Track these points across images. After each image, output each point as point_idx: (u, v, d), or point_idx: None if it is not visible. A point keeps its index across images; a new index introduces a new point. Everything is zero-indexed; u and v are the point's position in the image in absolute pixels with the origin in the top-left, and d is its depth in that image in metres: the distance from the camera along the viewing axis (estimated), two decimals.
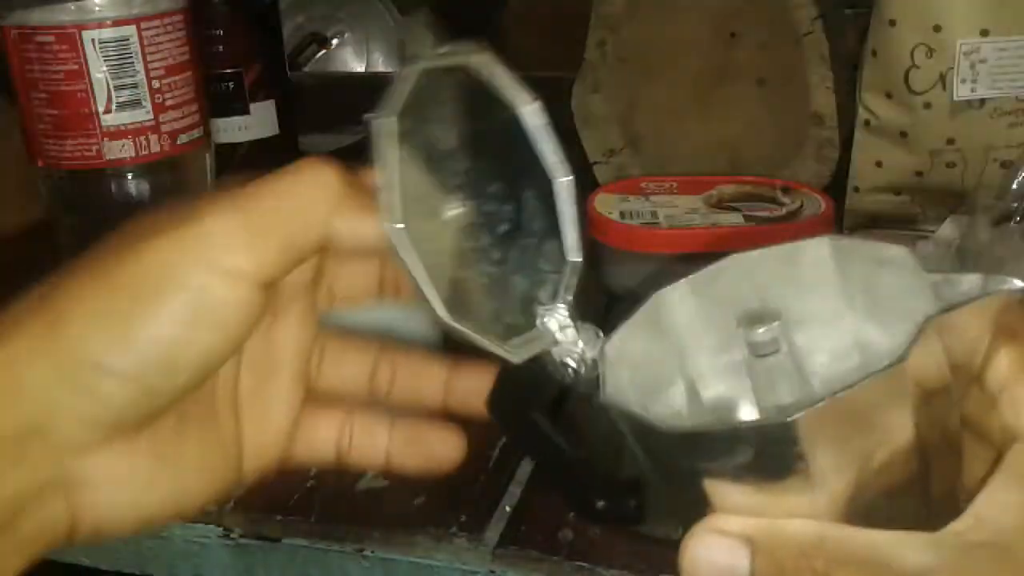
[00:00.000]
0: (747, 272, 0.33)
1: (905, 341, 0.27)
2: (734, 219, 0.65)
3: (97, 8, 0.54)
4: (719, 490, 0.27)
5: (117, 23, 0.54)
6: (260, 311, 0.30)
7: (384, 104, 0.32)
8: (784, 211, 0.66)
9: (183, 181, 0.59)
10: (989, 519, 0.25)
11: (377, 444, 0.34)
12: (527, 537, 0.46)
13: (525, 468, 0.50)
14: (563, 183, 0.31)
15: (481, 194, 0.33)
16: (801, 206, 0.66)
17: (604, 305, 0.69)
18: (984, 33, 0.65)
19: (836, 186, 0.75)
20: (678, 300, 0.33)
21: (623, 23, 0.80)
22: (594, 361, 0.31)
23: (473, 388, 0.34)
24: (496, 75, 0.31)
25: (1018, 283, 0.28)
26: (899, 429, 0.26)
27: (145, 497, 0.29)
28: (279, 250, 0.30)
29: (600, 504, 0.33)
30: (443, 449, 0.34)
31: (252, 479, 0.33)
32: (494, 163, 0.33)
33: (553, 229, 0.31)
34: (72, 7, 0.54)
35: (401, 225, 0.31)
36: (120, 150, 0.56)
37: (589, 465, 0.33)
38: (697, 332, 0.33)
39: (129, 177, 0.57)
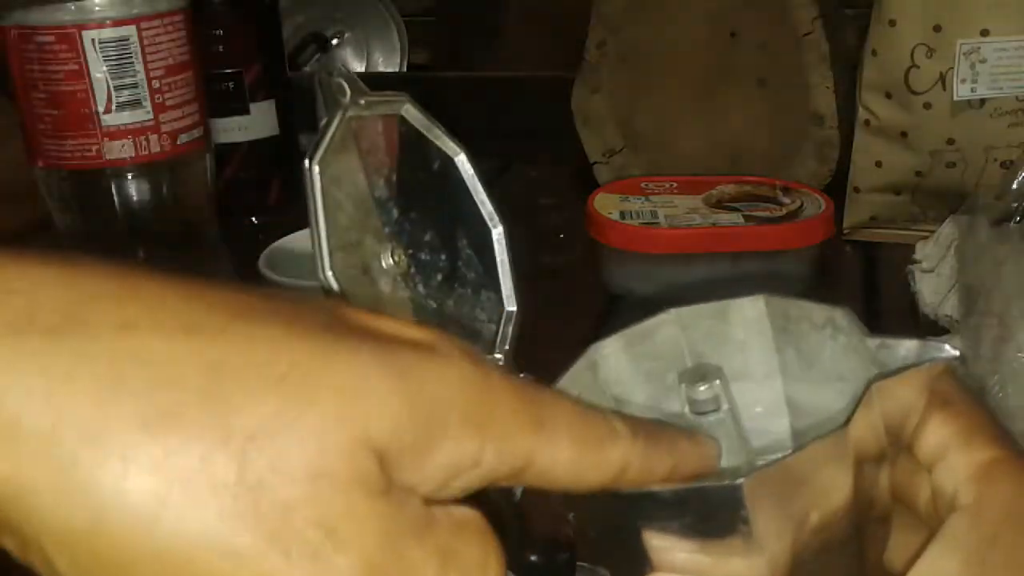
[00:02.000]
0: (682, 327, 0.33)
1: (837, 402, 0.27)
2: (734, 219, 0.65)
3: (97, 8, 0.54)
4: (660, 548, 0.26)
5: (117, 23, 0.54)
6: None
7: (310, 149, 0.32)
8: (784, 211, 0.66)
9: (183, 181, 0.59)
10: None
11: None
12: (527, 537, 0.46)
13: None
14: (497, 233, 0.31)
15: (416, 243, 0.33)
16: (801, 206, 0.66)
17: (604, 305, 0.69)
18: (984, 33, 0.65)
19: (836, 186, 0.75)
20: (612, 354, 0.33)
21: (623, 23, 0.80)
22: None
23: None
24: (425, 125, 0.31)
25: (952, 351, 0.28)
26: (836, 491, 0.26)
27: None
28: None
29: (533, 558, 0.33)
30: None
31: None
32: (428, 212, 0.33)
33: (489, 278, 0.31)
34: (72, 7, 0.54)
35: (330, 273, 0.31)
36: (120, 150, 0.56)
37: (523, 521, 0.33)
38: (632, 386, 0.33)
39: (129, 177, 0.57)
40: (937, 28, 0.65)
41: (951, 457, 0.27)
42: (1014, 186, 0.60)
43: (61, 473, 0.18)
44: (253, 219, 0.73)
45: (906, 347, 0.28)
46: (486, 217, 0.31)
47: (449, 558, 0.21)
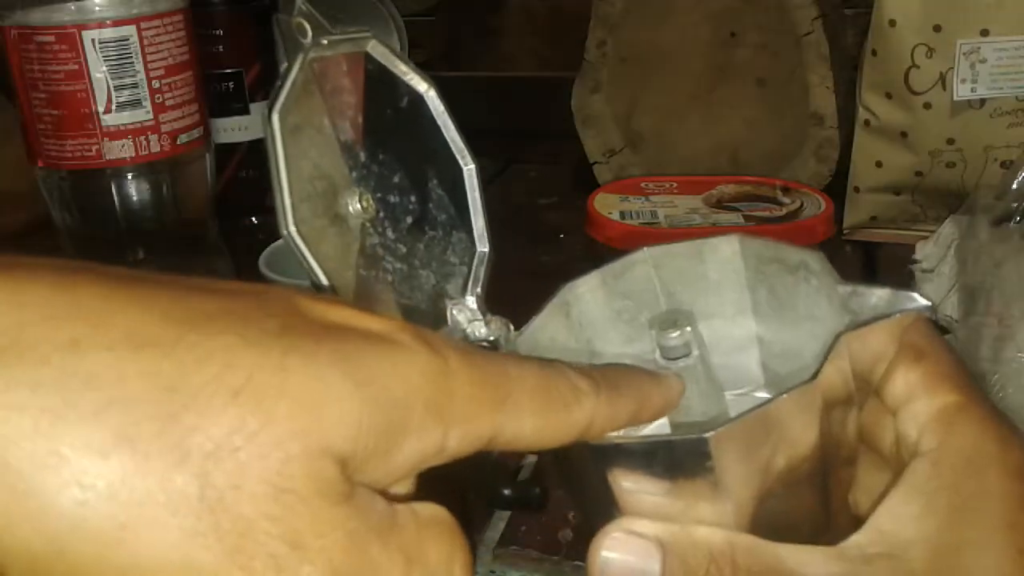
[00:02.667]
0: (656, 266, 0.33)
1: (808, 342, 0.27)
2: (734, 219, 0.65)
3: (97, 8, 0.54)
4: (628, 492, 0.26)
5: (117, 23, 0.54)
6: None
7: (270, 99, 0.31)
8: (784, 211, 0.66)
9: (183, 181, 0.59)
10: (888, 532, 0.25)
11: None
12: (527, 537, 0.46)
13: (525, 468, 0.50)
14: (468, 170, 0.30)
15: (384, 186, 0.32)
16: (801, 206, 0.66)
17: None
18: (984, 33, 0.65)
19: (836, 186, 0.75)
20: (588, 291, 0.33)
21: (623, 23, 0.80)
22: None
23: None
24: (391, 61, 0.30)
25: (924, 301, 0.28)
26: (804, 438, 0.26)
27: None
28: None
29: (506, 492, 0.33)
30: None
31: None
32: (396, 153, 0.31)
33: (460, 219, 0.30)
34: (72, 7, 0.54)
35: (293, 229, 0.30)
36: (120, 150, 0.56)
37: (495, 457, 0.32)
38: (606, 324, 0.33)
39: (129, 177, 0.57)
40: (937, 28, 0.65)
41: (916, 403, 0.28)
42: (1014, 186, 0.60)
43: (18, 501, 0.18)
44: (253, 219, 0.73)
45: (877, 295, 0.28)
46: (456, 154, 0.29)
47: (414, 559, 0.21)
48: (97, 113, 0.55)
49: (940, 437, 0.27)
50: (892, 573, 0.25)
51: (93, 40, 0.54)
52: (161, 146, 0.57)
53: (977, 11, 0.65)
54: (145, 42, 0.55)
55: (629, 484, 0.26)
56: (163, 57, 0.56)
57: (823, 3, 0.75)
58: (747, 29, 0.77)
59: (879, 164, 0.71)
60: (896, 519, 0.26)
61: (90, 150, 0.56)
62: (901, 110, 0.68)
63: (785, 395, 0.25)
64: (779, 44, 0.76)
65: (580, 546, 0.45)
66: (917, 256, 0.70)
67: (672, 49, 0.79)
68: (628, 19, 0.79)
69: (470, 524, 0.46)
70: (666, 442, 0.26)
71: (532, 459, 0.50)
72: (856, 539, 0.26)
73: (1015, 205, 0.59)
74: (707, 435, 0.25)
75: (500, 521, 0.47)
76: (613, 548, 0.26)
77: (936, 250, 0.63)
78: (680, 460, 0.25)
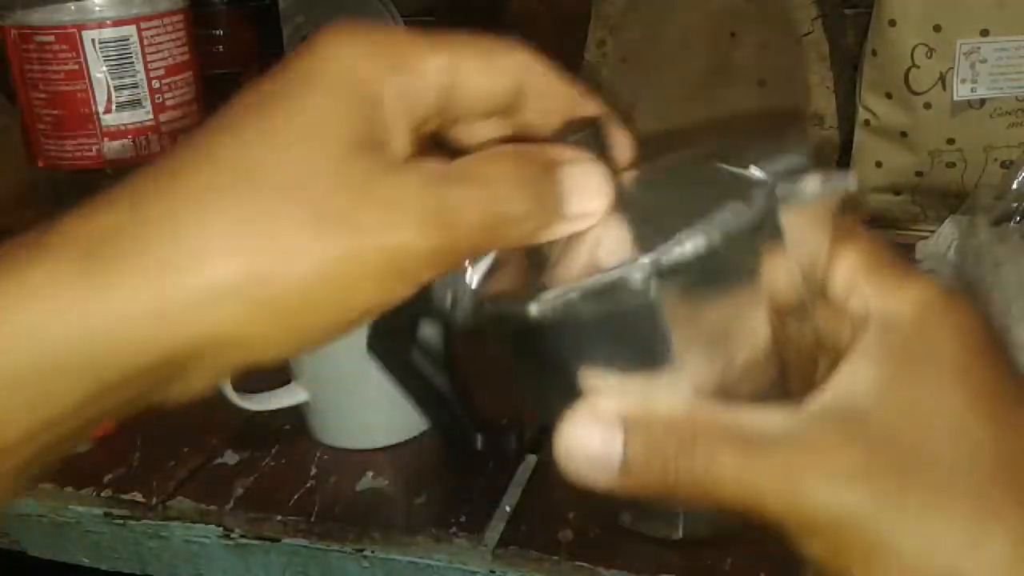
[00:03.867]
0: None
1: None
2: None
3: (97, 8, 0.54)
4: (592, 381, 0.27)
5: (117, 23, 0.54)
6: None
7: None
8: None
9: None
10: (843, 389, 0.26)
11: None
12: (527, 537, 0.46)
13: (525, 468, 0.51)
14: None
15: None
16: None
17: None
18: (984, 33, 0.65)
19: None
20: None
21: (623, 23, 0.80)
22: (470, 290, 0.29)
23: None
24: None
25: (852, 180, 0.28)
26: (756, 336, 0.27)
27: (269, 351, 0.27)
28: None
29: (480, 440, 0.32)
30: None
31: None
32: None
33: None
34: (72, 7, 0.54)
35: None
36: (120, 150, 0.56)
37: (470, 404, 0.32)
38: None
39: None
40: (937, 28, 0.65)
41: (861, 284, 0.28)
42: (1014, 186, 0.60)
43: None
44: None
45: (810, 181, 0.28)
46: None
47: None
48: (97, 113, 0.55)
49: (888, 304, 0.27)
50: (849, 427, 0.25)
51: (93, 40, 0.54)
52: (161, 146, 0.57)
53: (977, 11, 0.65)
54: (145, 42, 0.55)
55: (584, 360, 0.27)
56: (163, 57, 0.56)
57: (823, 3, 0.75)
58: (747, 29, 0.77)
59: (879, 164, 0.71)
60: (849, 378, 0.26)
61: (90, 150, 0.56)
62: (901, 110, 0.68)
63: (721, 217, 0.25)
64: (779, 44, 0.76)
65: (580, 546, 0.45)
66: (917, 256, 0.70)
67: (672, 49, 0.79)
68: (628, 19, 0.79)
69: (471, 524, 0.47)
70: (612, 283, 0.26)
71: (532, 459, 0.50)
72: (812, 399, 0.26)
73: (1015, 205, 0.59)
74: (645, 260, 0.25)
75: (500, 521, 0.47)
76: (575, 433, 0.26)
77: (936, 250, 0.63)
78: (632, 329, 0.26)
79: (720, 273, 0.26)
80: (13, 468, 0.23)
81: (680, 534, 0.44)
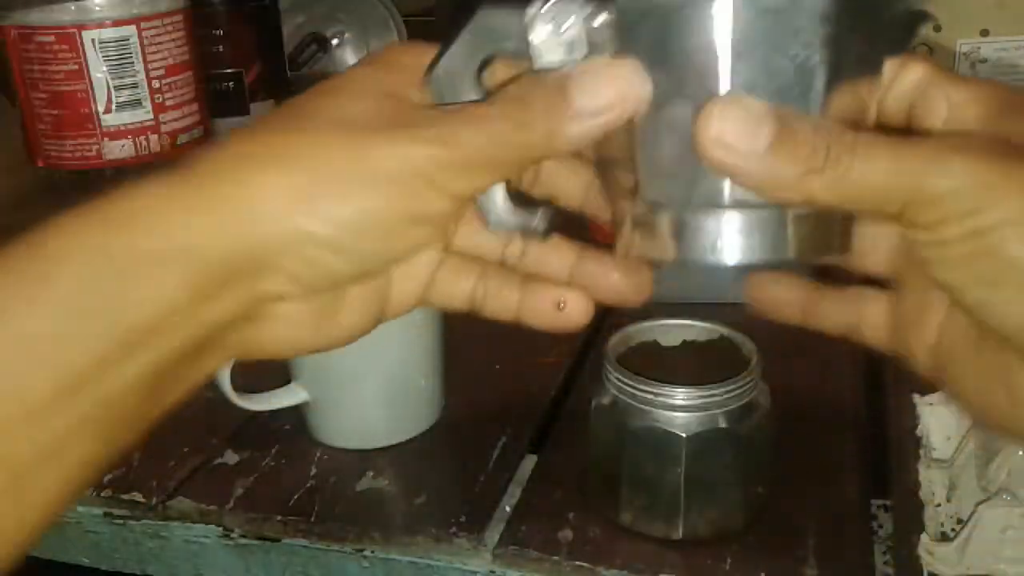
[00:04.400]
0: None
1: None
2: None
3: (97, 8, 0.54)
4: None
5: (117, 23, 0.54)
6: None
7: None
8: None
9: None
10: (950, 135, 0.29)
11: (508, 299, 0.35)
12: (527, 537, 0.46)
13: (525, 468, 0.51)
14: None
15: None
16: None
17: (604, 305, 0.69)
18: (984, 33, 0.65)
19: None
20: None
21: None
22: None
23: (598, 273, 0.36)
24: None
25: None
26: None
27: (307, 336, 0.32)
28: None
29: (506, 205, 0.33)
30: (575, 307, 0.35)
31: (390, 319, 0.35)
32: None
33: None
34: (72, 7, 0.54)
35: None
36: (120, 150, 0.56)
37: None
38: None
39: (129, 177, 0.57)
40: (937, 28, 0.65)
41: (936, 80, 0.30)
42: None
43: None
44: None
45: None
46: None
47: None
48: (97, 113, 0.55)
49: (968, 89, 0.30)
50: (973, 139, 0.27)
51: (93, 40, 0.54)
52: (161, 146, 0.57)
53: (977, 11, 0.65)
54: (145, 42, 0.55)
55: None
56: (163, 57, 0.56)
57: None
58: None
59: None
60: (960, 123, 0.29)
61: (90, 150, 0.56)
62: None
63: None
64: None
65: (580, 546, 0.45)
66: None
67: None
68: None
69: (471, 524, 0.47)
70: None
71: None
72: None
73: None
74: None
75: (500, 522, 0.47)
76: (725, 112, 0.27)
77: None
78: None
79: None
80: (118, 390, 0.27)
81: (680, 534, 0.44)
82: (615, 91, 0.29)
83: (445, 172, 0.29)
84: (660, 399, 0.43)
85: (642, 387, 0.43)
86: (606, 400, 0.44)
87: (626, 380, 0.43)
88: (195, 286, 0.27)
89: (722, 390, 0.43)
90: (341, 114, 0.29)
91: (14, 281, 0.26)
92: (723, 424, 0.43)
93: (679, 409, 0.43)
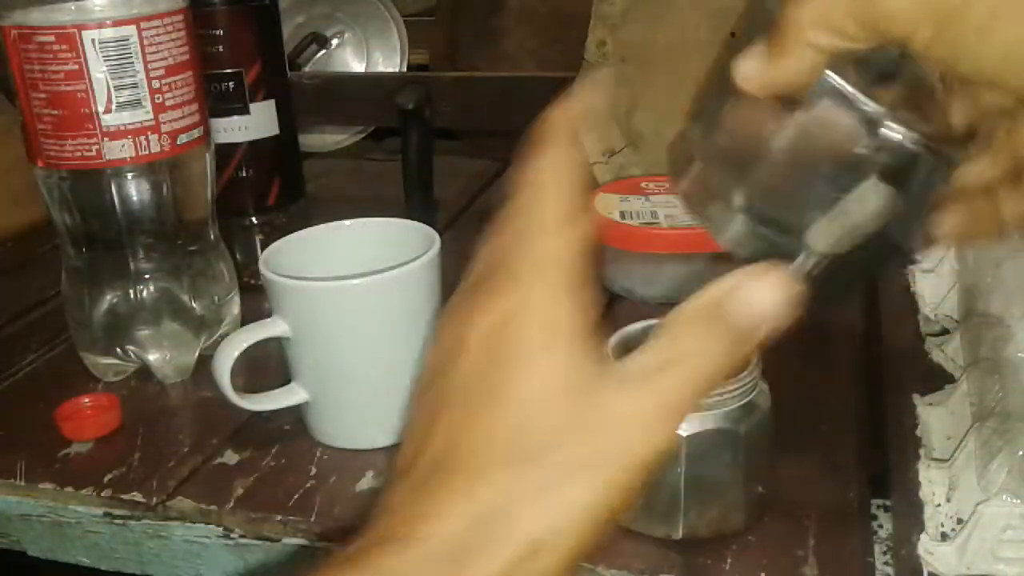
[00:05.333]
0: None
1: None
2: None
3: (97, 8, 0.54)
4: None
5: (117, 23, 0.54)
6: None
7: None
8: None
9: (183, 181, 0.59)
10: None
11: None
12: None
13: None
14: None
15: None
16: None
17: (604, 306, 0.69)
18: None
19: None
20: None
21: (623, 23, 0.80)
22: None
23: None
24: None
25: None
26: None
27: None
28: None
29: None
30: None
31: None
32: None
33: None
34: (72, 7, 0.54)
35: None
36: (120, 150, 0.56)
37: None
38: None
39: (129, 177, 0.57)
40: None
41: None
42: None
43: None
44: (253, 219, 0.73)
45: None
46: None
47: None
48: (97, 113, 0.55)
49: None
50: None
51: (93, 40, 0.54)
52: (161, 146, 0.57)
53: None
54: (145, 42, 0.55)
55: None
56: (163, 57, 0.56)
57: None
58: None
59: None
60: None
61: (90, 150, 0.55)
62: None
63: None
64: None
65: None
66: (917, 256, 0.70)
67: (672, 49, 0.79)
68: (628, 19, 0.79)
69: None
70: None
71: None
72: None
73: None
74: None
75: None
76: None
77: (936, 250, 0.63)
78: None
79: None
80: None
81: (680, 534, 0.44)
82: (771, 307, 0.30)
83: (666, 443, 0.29)
84: None
85: None
86: None
87: None
88: None
89: (722, 390, 0.43)
90: (548, 444, 0.28)
91: None
92: (723, 424, 0.43)
93: None
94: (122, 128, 0.55)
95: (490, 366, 0.29)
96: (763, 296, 0.30)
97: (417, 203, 0.80)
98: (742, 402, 0.44)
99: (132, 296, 0.60)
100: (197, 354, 0.62)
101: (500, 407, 0.29)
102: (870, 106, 0.31)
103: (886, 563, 0.44)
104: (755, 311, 0.30)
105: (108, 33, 0.54)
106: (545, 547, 0.27)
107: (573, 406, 0.29)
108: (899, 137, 0.31)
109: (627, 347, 0.48)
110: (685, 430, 0.43)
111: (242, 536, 0.49)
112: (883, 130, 0.31)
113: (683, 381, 0.29)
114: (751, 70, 0.32)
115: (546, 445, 0.28)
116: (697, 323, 0.30)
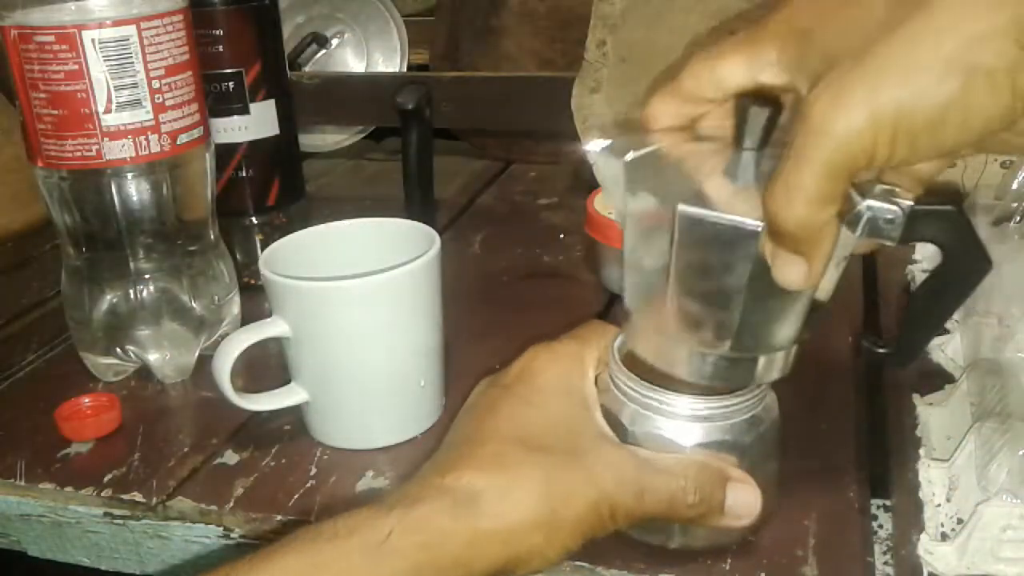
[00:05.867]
0: None
1: None
2: None
3: (97, 8, 0.54)
4: None
5: (117, 23, 0.54)
6: None
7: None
8: None
9: (183, 181, 0.59)
10: None
11: None
12: None
13: None
14: None
15: None
16: None
17: (604, 305, 0.69)
18: None
19: None
20: None
21: (623, 23, 0.80)
22: None
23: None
24: None
25: None
26: None
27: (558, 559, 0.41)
28: None
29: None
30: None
31: None
32: None
33: None
34: (72, 7, 0.54)
35: None
36: (120, 150, 0.56)
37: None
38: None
39: (129, 177, 0.57)
40: None
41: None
42: (1014, 186, 0.60)
43: None
44: (253, 219, 0.73)
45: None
46: None
47: None
48: (97, 113, 0.55)
49: None
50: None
51: (93, 40, 0.54)
52: (161, 146, 0.57)
53: None
54: (145, 42, 0.55)
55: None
56: (163, 57, 0.56)
57: None
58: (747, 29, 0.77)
59: None
60: None
61: (90, 150, 0.55)
62: None
63: None
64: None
65: (580, 546, 0.45)
66: (917, 256, 0.70)
67: (672, 49, 0.79)
68: (628, 19, 0.79)
69: None
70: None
71: None
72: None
73: (1015, 205, 0.59)
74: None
75: None
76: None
77: (936, 250, 0.63)
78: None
79: None
80: None
81: (675, 543, 0.44)
82: (753, 513, 0.42)
83: (622, 518, 0.40)
84: (665, 407, 0.42)
85: (647, 393, 0.42)
86: (609, 402, 0.44)
87: (631, 384, 0.43)
88: None
89: (728, 403, 0.42)
90: (551, 448, 0.40)
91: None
92: (727, 436, 0.42)
93: (683, 419, 0.42)
94: (122, 128, 0.55)
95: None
96: (750, 507, 0.42)
97: (417, 203, 0.80)
98: (747, 415, 0.43)
99: (132, 296, 0.60)
100: (197, 354, 0.62)
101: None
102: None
103: (886, 563, 0.44)
104: (743, 512, 0.42)
105: (108, 33, 0.54)
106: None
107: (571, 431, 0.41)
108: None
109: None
110: (687, 441, 0.42)
111: (242, 536, 0.49)
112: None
113: (662, 485, 0.40)
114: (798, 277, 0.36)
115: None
116: (704, 472, 0.41)
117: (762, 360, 0.40)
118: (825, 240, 0.35)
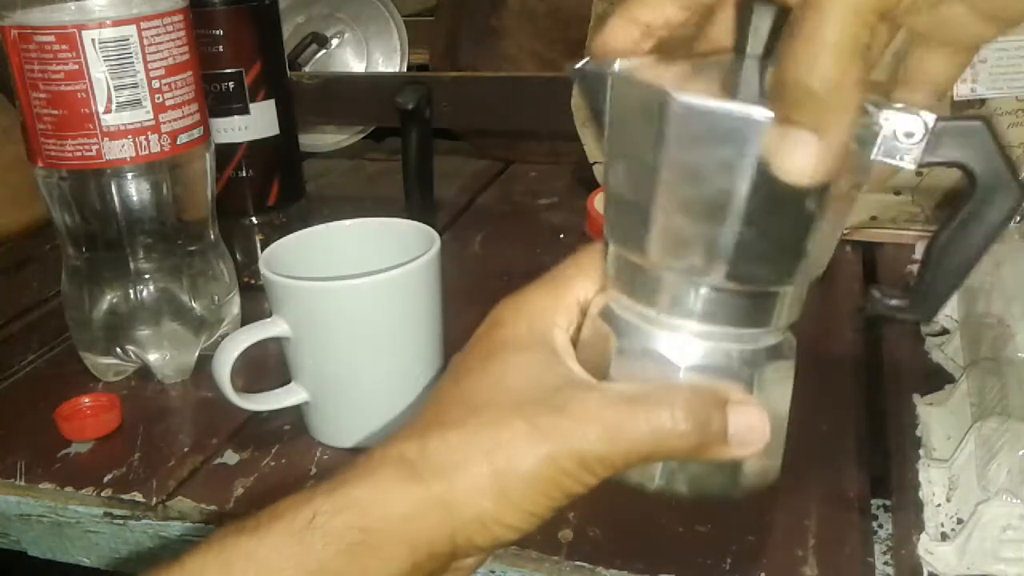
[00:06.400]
0: None
1: None
2: None
3: (97, 8, 0.54)
4: None
5: (117, 23, 0.54)
6: None
7: None
8: None
9: (183, 181, 0.59)
10: None
11: None
12: (527, 537, 0.45)
13: None
14: None
15: None
16: None
17: None
18: None
19: None
20: None
21: None
22: None
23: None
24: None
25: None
26: None
27: (509, 532, 0.37)
28: None
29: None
30: None
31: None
32: None
33: None
34: (72, 7, 0.54)
35: None
36: (120, 150, 0.56)
37: None
38: None
39: (129, 177, 0.57)
40: None
41: None
42: None
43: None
44: (253, 219, 0.73)
45: None
46: None
47: None
48: (97, 113, 0.55)
49: None
50: None
51: (93, 40, 0.54)
52: (161, 146, 0.57)
53: None
54: (145, 42, 0.55)
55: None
56: (163, 57, 0.56)
57: None
58: None
59: None
60: None
61: (90, 150, 0.56)
62: None
63: None
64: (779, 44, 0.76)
65: (580, 546, 0.45)
66: (917, 256, 0.70)
67: (671, 49, 0.79)
68: None
69: None
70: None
71: None
72: None
73: None
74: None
75: None
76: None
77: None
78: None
79: None
80: None
81: (655, 485, 0.37)
82: (763, 439, 0.35)
83: (598, 468, 0.33)
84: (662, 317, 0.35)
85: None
86: (597, 326, 0.41)
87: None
88: (415, 563, 0.33)
89: (738, 331, 0.35)
90: (516, 407, 0.34)
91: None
92: (734, 363, 0.35)
93: (685, 333, 0.35)
94: (122, 128, 0.55)
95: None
96: (758, 432, 0.35)
97: (417, 203, 0.80)
98: (762, 344, 0.36)
99: (132, 296, 0.60)
100: (197, 354, 0.62)
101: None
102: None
103: (886, 563, 0.44)
104: (750, 438, 0.34)
105: (108, 33, 0.54)
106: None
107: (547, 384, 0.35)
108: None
109: None
110: (685, 360, 0.35)
111: None
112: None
113: (635, 438, 0.33)
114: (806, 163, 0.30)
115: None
116: (697, 395, 0.34)
117: (761, 298, 0.34)
118: (849, 108, 0.29)
